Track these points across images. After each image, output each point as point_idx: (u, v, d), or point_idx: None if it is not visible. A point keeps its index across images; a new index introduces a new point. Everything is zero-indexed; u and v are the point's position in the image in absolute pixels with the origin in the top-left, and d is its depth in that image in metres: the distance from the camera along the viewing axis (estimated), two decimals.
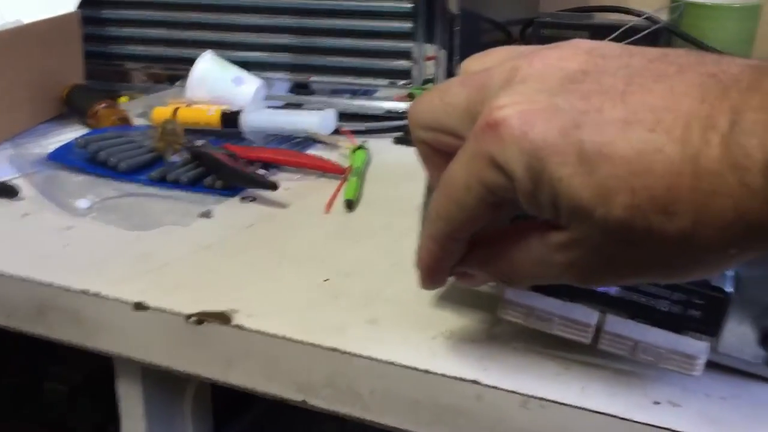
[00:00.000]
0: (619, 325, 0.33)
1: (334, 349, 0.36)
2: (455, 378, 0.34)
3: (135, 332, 0.41)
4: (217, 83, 0.70)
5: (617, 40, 0.70)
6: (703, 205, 0.23)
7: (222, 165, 0.55)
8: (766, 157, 0.22)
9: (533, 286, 0.34)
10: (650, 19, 0.70)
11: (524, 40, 0.89)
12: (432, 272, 0.32)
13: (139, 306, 0.40)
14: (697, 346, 0.32)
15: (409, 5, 0.69)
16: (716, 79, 0.25)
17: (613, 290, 0.33)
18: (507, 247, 0.30)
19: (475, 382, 0.34)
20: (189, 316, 0.39)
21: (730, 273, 0.31)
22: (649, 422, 0.32)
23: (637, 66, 0.27)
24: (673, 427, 0.31)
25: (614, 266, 0.27)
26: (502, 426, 0.34)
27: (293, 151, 0.64)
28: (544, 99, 0.26)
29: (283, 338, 0.37)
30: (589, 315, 0.33)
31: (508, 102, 0.26)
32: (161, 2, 0.79)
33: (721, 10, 0.76)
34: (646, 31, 0.69)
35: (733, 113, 0.23)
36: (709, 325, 0.32)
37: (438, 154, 0.31)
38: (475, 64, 0.32)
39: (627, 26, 0.69)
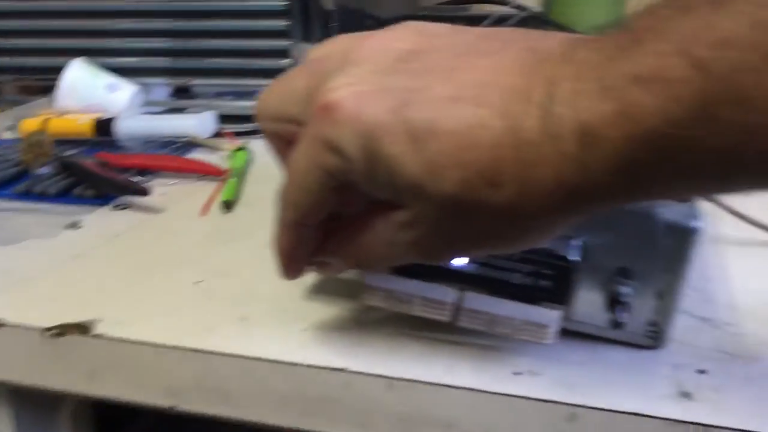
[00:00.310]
0: (476, 300, 0.33)
1: (199, 350, 0.36)
2: (322, 368, 0.34)
3: None
4: (89, 91, 0.68)
5: None
6: (526, 175, 0.24)
7: (91, 174, 0.54)
8: (578, 125, 0.23)
9: (394, 269, 0.35)
10: (520, 8, 0.72)
11: None
12: (288, 260, 0.32)
13: None
14: (549, 315, 0.33)
15: (284, 3, 0.69)
16: (534, 53, 0.25)
17: (469, 267, 0.34)
18: (357, 232, 0.30)
19: (341, 369, 0.34)
20: (48, 330, 0.37)
21: (576, 242, 0.33)
22: (509, 392, 0.32)
23: (465, 44, 0.27)
24: (532, 395, 0.32)
25: (454, 240, 0.27)
26: (371, 411, 0.34)
27: (169, 155, 0.62)
28: (376, 80, 0.26)
29: (147, 344, 0.36)
30: (447, 293, 0.34)
31: (340, 84, 0.27)
32: (29, 11, 0.75)
33: None
34: (514, 20, 0.71)
35: (548, 84, 0.24)
36: (559, 294, 0.33)
37: (288, 145, 0.31)
38: (317, 51, 0.32)
39: (496, 16, 0.71)
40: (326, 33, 0.69)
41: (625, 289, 0.32)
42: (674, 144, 0.22)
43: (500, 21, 0.71)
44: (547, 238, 0.27)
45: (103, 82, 0.68)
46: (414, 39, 0.28)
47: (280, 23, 0.69)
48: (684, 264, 0.32)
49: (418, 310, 0.34)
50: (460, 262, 0.34)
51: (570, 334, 0.35)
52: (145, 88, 0.72)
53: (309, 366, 0.34)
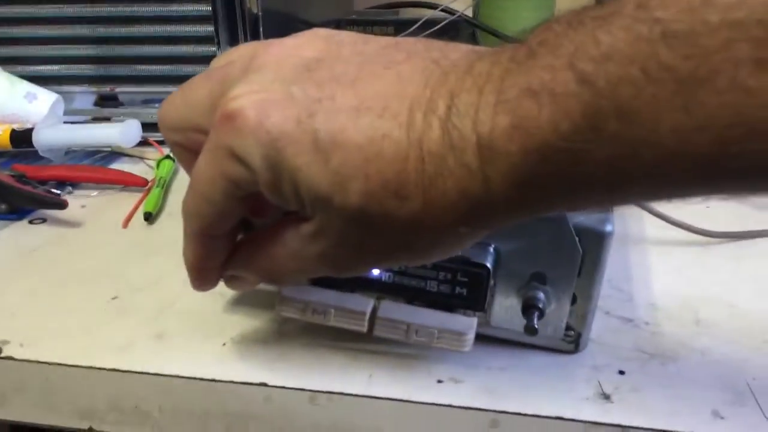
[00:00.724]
0: (392, 310, 0.33)
1: (115, 370, 0.34)
2: (242, 383, 0.33)
3: None
4: (5, 100, 0.65)
5: (415, 33, 0.72)
6: (430, 187, 0.24)
7: (5, 187, 0.51)
8: (477, 138, 0.23)
9: (312, 280, 0.34)
10: (449, 12, 0.72)
11: None
12: (197, 272, 0.31)
13: None
14: (465, 322, 0.32)
15: (208, 8, 0.67)
16: (438, 65, 0.25)
17: (386, 276, 0.33)
18: (266, 244, 0.29)
19: (262, 384, 0.33)
20: None
21: (490, 249, 0.32)
22: (432, 401, 0.32)
23: (370, 53, 0.27)
24: (454, 403, 0.32)
25: (362, 253, 0.27)
26: (293, 425, 0.33)
27: (91, 166, 0.60)
28: (279, 88, 0.26)
29: (59, 365, 0.35)
30: (363, 303, 0.33)
31: (243, 92, 0.26)
32: None
33: (517, 0, 0.79)
34: (443, 23, 0.71)
35: (450, 96, 0.24)
36: (474, 301, 0.32)
37: (193, 155, 0.30)
38: (221, 59, 0.31)
39: (424, 19, 0.71)
40: (254, 38, 0.68)
41: (540, 295, 0.32)
42: (566, 157, 0.21)
43: (429, 24, 0.71)
44: (457, 250, 0.27)
45: (20, 90, 0.66)
46: (319, 46, 0.27)
47: (206, 29, 0.68)
48: (597, 268, 0.32)
49: (334, 321, 0.34)
50: (375, 271, 0.33)
51: (491, 340, 0.35)
52: (68, 96, 0.70)
53: (229, 382, 0.33)
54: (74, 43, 0.71)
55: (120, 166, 0.63)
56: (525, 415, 0.31)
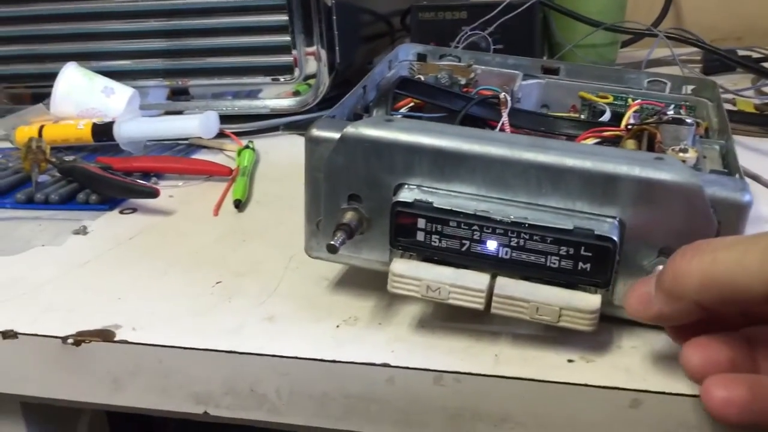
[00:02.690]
0: (510, 287, 0.31)
1: (231, 351, 0.34)
2: (363, 363, 0.32)
3: (6, 364, 0.36)
4: (84, 96, 0.65)
5: (495, 18, 0.70)
6: None
7: (95, 177, 0.51)
8: None
9: (423, 257, 0.33)
10: None
11: (405, 28, 0.88)
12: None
13: (7, 334, 0.36)
14: (590, 300, 0.31)
15: None
16: None
17: (503, 251, 0.32)
18: None
19: (385, 365, 0.32)
20: (65, 338, 0.35)
21: (615, 222, 0.31)
22: (566, 380, 0.30)
23: None
24: (590, 382, 0.30)
25: None
26: (417, 407, 0.32)
27: (175, 156, 0.60)
28: None
29: (173, 347, 0.34)
30: (479, 280, 0.32)
31: None
32: (16, 16, 0.73)
33: None
34: (522, 7, 0.69)
35: None
36: (599, 277, 0.31)
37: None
38: None
39: (505, 3, 0.69)
40: (328, 28, 0.67)
41: None
42: None
43: (507, 9, 0.69)
44: None
45: (98, 85, 0.66)
46: None
47: (280, 18, 0.67)
48: None
49: (451, 299, 0.32)
50: (492, 246, 0.32)
51: (614, 320, 0.33)
52: (141, 91, 0.70)
53: (349, 363, 0.32)
54: (147, 37, 0.71)
55: (200, 157, 0.62)
56: (668, 393, 0.29)
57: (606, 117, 0.43)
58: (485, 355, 0.32)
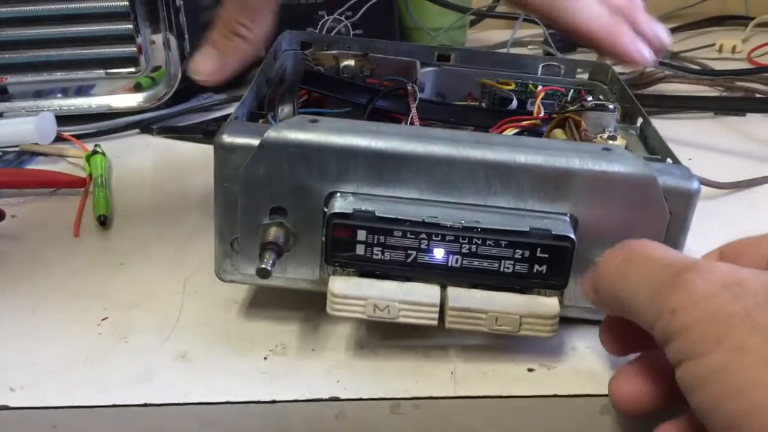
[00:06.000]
0: (463, 298, 0.29)
1: (144, 405, 0.28)
2: (307, 401, 0.28)
3: None
4: None
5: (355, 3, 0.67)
6: None
7: None
8: None
9: (362, 272, 0.29)
10: None
11: None
12: None
13: None
14: (549, 305, 0.29)
15: None
16: None
17: (452, 260, 0.29)
18: None
19: (333, 399, 0.28)
20: None
21: (566, 218, 0.29)
22: (533, 393, 0.29)
23: None
24: (559, 392, 0.29)
25: None
26: None
27: (11, 168, 0.51)
28: None
29: (69, 408, 0.28)
30: (430, 293, 0.29)
31: None
32: None
33: None
34: None
35: None
36: (556, 278, 0.29)
37: None
38: None
39: None
40: (175, 12, 0.61)
41: None
42: None
43: None
44: None
45: None
46: None
47: (119, 3, 0.59)
48: (684, 230, 0.30)
49: (399, 317, 0.29)
50: (440, 255, 0.29)
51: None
52: None
53: (289, 401, 0.28)
54: None
55: (36, 167, 0.54)
56: None
57: (513, 105, 0.41)
58: (440, 374, 0.30)
